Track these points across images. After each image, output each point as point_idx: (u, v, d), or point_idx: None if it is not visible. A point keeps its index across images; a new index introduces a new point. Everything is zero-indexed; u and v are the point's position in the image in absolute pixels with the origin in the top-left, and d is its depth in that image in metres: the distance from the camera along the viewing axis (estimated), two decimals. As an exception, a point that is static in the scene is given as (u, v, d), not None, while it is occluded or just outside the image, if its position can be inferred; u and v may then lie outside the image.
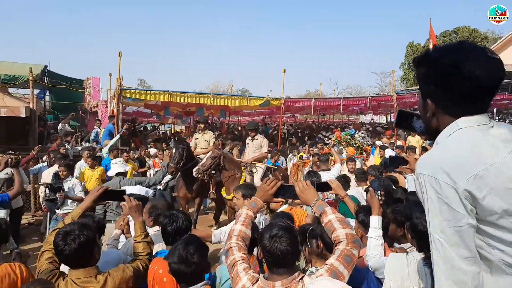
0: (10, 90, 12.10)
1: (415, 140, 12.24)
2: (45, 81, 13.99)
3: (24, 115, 8.69)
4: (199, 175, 6.39)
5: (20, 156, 4.36)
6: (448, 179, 1.04)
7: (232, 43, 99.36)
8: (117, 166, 5.69)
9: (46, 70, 14.06)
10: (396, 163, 4.31)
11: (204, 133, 7.71)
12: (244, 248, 1.83)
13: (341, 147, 10.62)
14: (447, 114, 1.17)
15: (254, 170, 7.17)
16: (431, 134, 1.26)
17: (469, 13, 71.38)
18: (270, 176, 7.34)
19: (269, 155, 8.51)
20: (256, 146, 7.38)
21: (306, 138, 15.58)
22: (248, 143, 7.54)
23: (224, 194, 6.74)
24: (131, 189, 3.43)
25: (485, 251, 1.09)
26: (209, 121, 10.92)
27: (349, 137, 11.57)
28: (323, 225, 1.86)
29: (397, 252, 2.31)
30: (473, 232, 1.05)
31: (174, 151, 6.88)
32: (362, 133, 13.77)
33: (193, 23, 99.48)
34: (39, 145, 7.64)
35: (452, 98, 1.14)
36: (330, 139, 13.03)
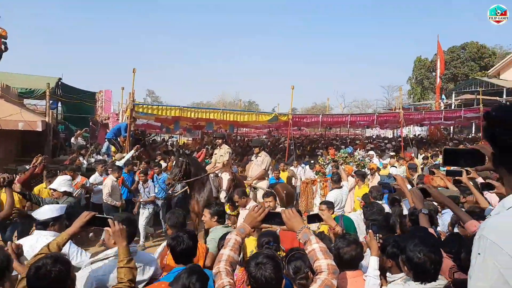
0: (25, 101, 12.46)
1: (418, 161, 12.22)
2: (58, 93, 14.34)
3: (40, 129, 8.95)
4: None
5: (14, 176, 4.20)
6: None
7: (239, 55, 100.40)
8: (63, 184, 5.34)
9: (59, 83, 14.42)
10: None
11: (221, 148, 7.86)
12: (232, 273, 1.91)
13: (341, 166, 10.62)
14: (507, 170, 1.20)
15: (256, 188, 7.33)
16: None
17: (476, 29, 71.51)
18: (272, 191, 7.48)
19: (269, 173, 8.60)
20: (259, 162, 7.58)
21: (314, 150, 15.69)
22: (252, 160, 7.78)
23: (228, 210, 6.87)
24: (41, 213, 3.24)
25: None
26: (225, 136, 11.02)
27: (346, 155, 11.62)
28: (306, 252, 1.95)
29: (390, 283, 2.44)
30: None
31: (173, 164, 7.04)
32: (363, 151, 13.86)
33: (200, 35, 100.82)
34: (40, 155, 7.50)
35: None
36: (321, 156, 13.03)
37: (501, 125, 1.17)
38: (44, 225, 3.18)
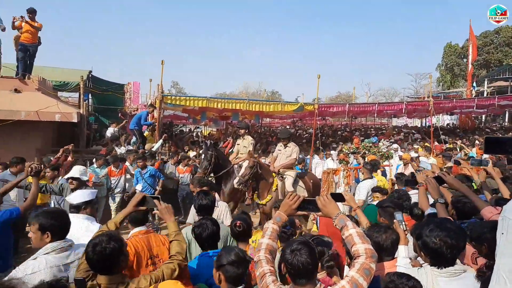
0: (58, 94, 12.93)
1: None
2: (89, 86, 14.78)
3: (76, 120, 9.30)
4: (241, 186, 6.59)
5: (42, 166, 4.19)
6: None
7: (262, 44, 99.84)
8: (75, 170, 5.25)
9: (90, 75, 14.85)
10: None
11: (244, 138, 7.83)
12: (272, 261, 1.97)
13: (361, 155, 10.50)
14: None
15: (284, 176, 7.26)
16: None
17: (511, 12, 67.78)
18: (300, 181, 7.48)
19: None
20: (288, 153, 7.47)
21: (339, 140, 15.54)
22: (280, 150, 7.63)
23: (256, 199, 6.94)
24: (74, 198, 3.48)
25: None
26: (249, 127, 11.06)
27: (370, 145, 11.44)
28: (343, 237, 1.98)
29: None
30: None
31: (202, 157, 7.12)
32: (388, 141, 13.61)
33: (223, 25, 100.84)
34: (68, 146, 7.93)
35: None
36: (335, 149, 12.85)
37: None
38: (77, 208, 3.44)
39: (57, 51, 74.71)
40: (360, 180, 7.39)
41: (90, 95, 16.22)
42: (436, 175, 3.09)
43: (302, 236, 3.06)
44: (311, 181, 7.78)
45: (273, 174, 7.12)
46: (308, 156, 11.68)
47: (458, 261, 2.12)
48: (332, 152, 12.23)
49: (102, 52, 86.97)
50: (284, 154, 7.51)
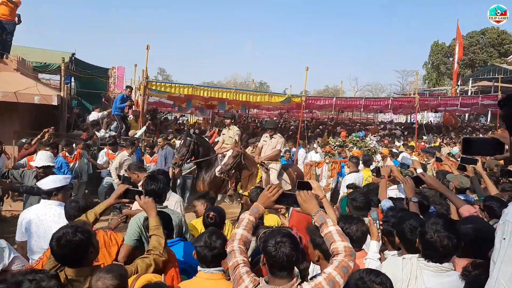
0: (39, 76, 12.51)
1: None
2: (71, 68, 14.35)
3: (56, 103, 8.99)
4: (222, 175, 6.51)
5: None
6: None
7: (251, 35, 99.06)
8: (43, 158, 4.71)
9: (73, 58, 14.40)
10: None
11: (230, 129, 7.71)
12: (245, 251, 1.94)
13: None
14: None
15: (269, 168, 7.18)
16: None
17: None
18: (284, 174, 7.43)
19: (282, 154, 8.53)
20: (274, 144, 7.37)
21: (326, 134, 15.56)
22: (265, 141, 7.51)
23: (240, 190, 6.87)
24: (45, 183, 3.40)
25: None
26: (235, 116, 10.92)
27: (357, 139, 11.48)
28: (322, 234, 1.96)
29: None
30: None
31: (181, 143, 7.01)
32: (375, 136, 13.71)
33: (213, 14, 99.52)
34: (48, 129, 7.65)
35: None
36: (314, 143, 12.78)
37: None
38: (48, 194, 3.37)
39: (38, 31, 72.50)
40: (345, 173, 7.39)
41: (72, 78, 15.78)
42: (415, 175, 3.14)
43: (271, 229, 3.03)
44: (295, 173, 7.75)
45: (258, 165, 7.04)
46: (294, 149, 11.65)
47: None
48: (315, 145, 12.22)
49: (86, 34, 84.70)
50: (270, 145, 7.41)
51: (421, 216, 2.68)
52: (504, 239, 1.19)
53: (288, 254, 1.77)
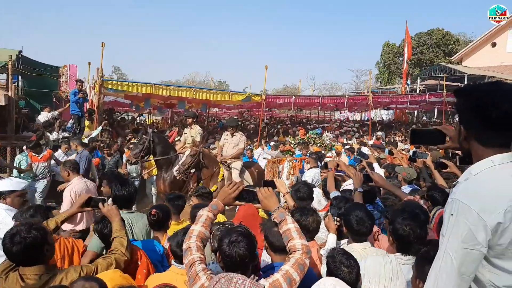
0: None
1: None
2: (18, 67, 13.48)
3: (3, 104, 8.44)
4: (180, 175, 6.43)
5: None
6: (481, 211, 1.26)
7: (209, 34, 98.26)
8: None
9: (20, 56, 13.53)
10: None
11: (191, 128, 7.62)
12: (202, 249, 1.92)
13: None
14: (478, 142, 1.38)
15: (231, 166, 7.18)
16: (463, 152, 1.52)
17: (443, 16, 73.77)
18: (246, 172, 7.50)
19: (245, 152, 8.63)
20: (235, 142, 7.38)
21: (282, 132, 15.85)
22: (226, 139, 7.50)
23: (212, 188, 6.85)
24: (1, 185, 3.28)
25: (479, 272, 1.34)
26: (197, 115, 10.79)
27: (315, 136, 11.85)
28: (281, 231, 1.99)
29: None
30: (480, 258, 1.29)
31: (137, 140, 6.87)
32: (330, 133, 14.24)
33: (170, 12, 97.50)
34: None
35: (485, 131, 1.34)
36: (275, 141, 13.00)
37: (488, 99, 1.31)
38: None
39: (-20, 27, 67.13)
40: (305, 170, 7.61)
41: (19, 77, 14.80)
42: (365, 173, 3.43)
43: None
44: (257, 171, 7.84)
45: (220, 164, 7.04)
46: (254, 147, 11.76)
47: None
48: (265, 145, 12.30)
49: (33, 31, 79.78)
50: (231, 143, 7.40)
51: (366, 205, 2.97)
52: (452, 215, 1.31)
53: (242, 254, 1.76)
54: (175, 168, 6.53)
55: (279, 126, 18.33)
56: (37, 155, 7.28)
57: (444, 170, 3.89)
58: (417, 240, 2.19)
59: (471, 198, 1.29)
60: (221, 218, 3.75)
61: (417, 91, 27.69)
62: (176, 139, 10.93)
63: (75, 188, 4.24)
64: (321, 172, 5.77)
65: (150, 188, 8.53)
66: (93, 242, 2.80)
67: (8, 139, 8.48)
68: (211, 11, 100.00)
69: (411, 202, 2.82)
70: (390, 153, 7.50)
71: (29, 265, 2.04)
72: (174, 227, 3.27)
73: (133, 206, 4.51)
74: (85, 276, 2.09)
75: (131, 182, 3.16)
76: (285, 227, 1.96)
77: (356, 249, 2.48)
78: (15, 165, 7.13)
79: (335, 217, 2.88)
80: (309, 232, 2.71)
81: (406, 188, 4.54)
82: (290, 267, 1.79)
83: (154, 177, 8.18)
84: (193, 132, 7.55)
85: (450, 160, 3.98)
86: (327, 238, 2.85)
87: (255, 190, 2.13)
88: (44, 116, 10.81)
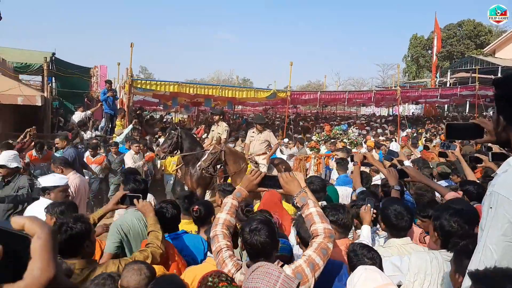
0: (20, 77, 12.22)
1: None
2: (52, 68, 14.03)
3: (40, 104, 8.85)
4: (203, 171, 6.53)
5: None
6: None
7: (233, 32, 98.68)
8: (11, 160, 4.30)
9: (53, 58, 14.09)
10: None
11: (218, 125, 7.72)
12: (229, 236, 1.94)
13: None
14: None
15: (259, 163, 7.17)
16: (501, 144, 1.48)
17: (474, 7, 70.87)
18: (274, 169, 7.50)
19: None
20: (263, 139, 7.35)
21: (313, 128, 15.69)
22: (253, 136, 7.47)
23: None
24: (43, 180, 3.44)
25: None
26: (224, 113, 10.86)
27: (340, 132, 11.67)
28: (303, 216, 1.97)
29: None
30: None
31: (166, 136, 7.05)
32: (357, 129, 14.01)
33: (195, 11, 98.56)
34: (30, 129, 7.20)
35: None
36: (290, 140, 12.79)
37: None
38: (44, 191, 3.40)
39: (15, 31, 70.31)
40: (330, 168, 7.53)
41: (53, 78, 15.42)
42: (400, 168, 3.31)
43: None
44: (284, 167, 7.84)
45: (247, 160, 7.08)
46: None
47: None
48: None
49: (66, 33, 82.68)
50: (258, 140, 7.37)
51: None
52: (491, 208, 1.29)
53: (263, 242, 1.77)
54: (198, 164, 6.66)
55: (301, 123, 18.17)
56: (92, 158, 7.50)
57: (478, 165, 3.78)
58: (466, 237, 2.09)
59: (510, 190, 1.25)
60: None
61: (448, 85, 26.77)
62: (203, 136, 11.11)
63: (73, 182, 4.24)
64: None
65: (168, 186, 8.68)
66: (108, 243, 2.81)
67: (44, 138, 8.87)
68: (232, 8, 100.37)
69: (458, 200, 2.70)
70: (426, 148, 7.36)
71: (69, 256, 2.09)
72: (185, 226, 3.25)
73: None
74: (135, 260, 2.16)
75: (141, 179, 3.18)
76: (307, 211, 1.94)
77: (395, 245, 2.44)
78: None
79: (372, 209, 2.84)
80: (341, 227, 2.64)
81: (442, 183, 4.42)
82: (313, 251, 1.78)
83: (167, 176, 8.41)
84: (220, 129, 7.65)
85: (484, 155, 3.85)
86: (361, 230, 2.79)
87: (276, 176, 2.14)
88: (78, 116, 11.21)
